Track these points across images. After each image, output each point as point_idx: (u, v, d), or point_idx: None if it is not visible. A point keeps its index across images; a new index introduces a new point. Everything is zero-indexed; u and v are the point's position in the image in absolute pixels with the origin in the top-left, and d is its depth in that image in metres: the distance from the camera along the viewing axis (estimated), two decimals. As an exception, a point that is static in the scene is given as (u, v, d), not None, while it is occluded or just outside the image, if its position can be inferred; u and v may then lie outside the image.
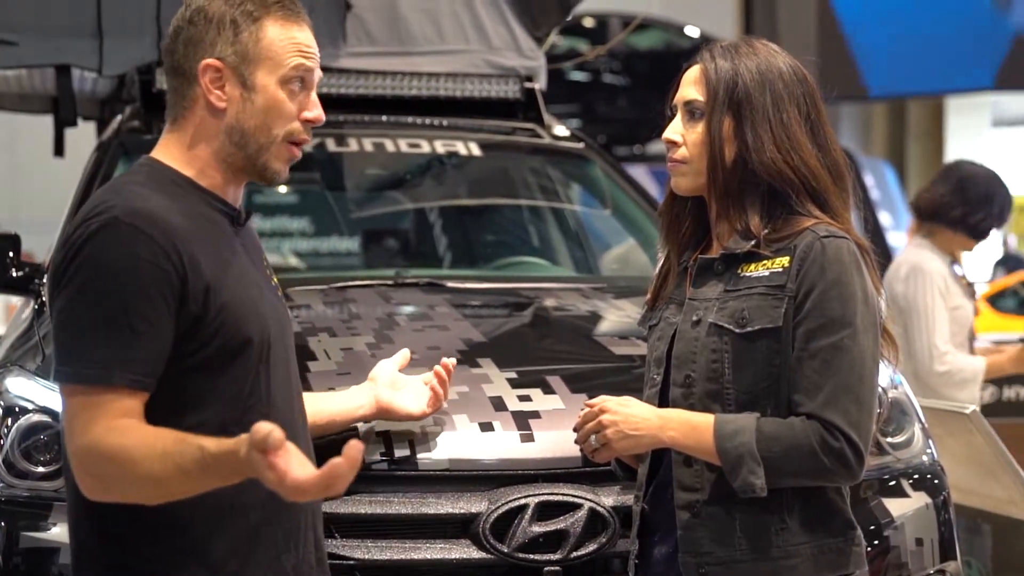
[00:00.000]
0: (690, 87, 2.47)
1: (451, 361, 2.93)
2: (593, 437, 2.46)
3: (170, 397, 2.14)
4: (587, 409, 2.50)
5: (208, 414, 2.15)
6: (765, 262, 2.39)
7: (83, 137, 6.11)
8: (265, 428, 1.88)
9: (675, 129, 2.47)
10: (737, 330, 2.37)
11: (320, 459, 2.45)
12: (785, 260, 2.37)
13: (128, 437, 2.06)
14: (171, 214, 2.16)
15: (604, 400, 2.47)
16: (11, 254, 4.00)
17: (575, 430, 2.53)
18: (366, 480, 2.94)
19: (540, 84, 5.25)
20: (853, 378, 2.32)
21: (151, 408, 2.13)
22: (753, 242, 2.40)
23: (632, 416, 2.42)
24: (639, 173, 11.53)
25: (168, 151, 2.29)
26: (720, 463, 2.35)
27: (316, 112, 2.29)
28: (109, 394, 2.09)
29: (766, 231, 2.40)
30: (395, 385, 2.89)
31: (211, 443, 2.00)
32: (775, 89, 2.42)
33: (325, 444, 2.65)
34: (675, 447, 2.41)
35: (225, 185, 2.30)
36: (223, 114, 2.24)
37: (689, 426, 2.37)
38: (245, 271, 2.26)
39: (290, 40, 2.26)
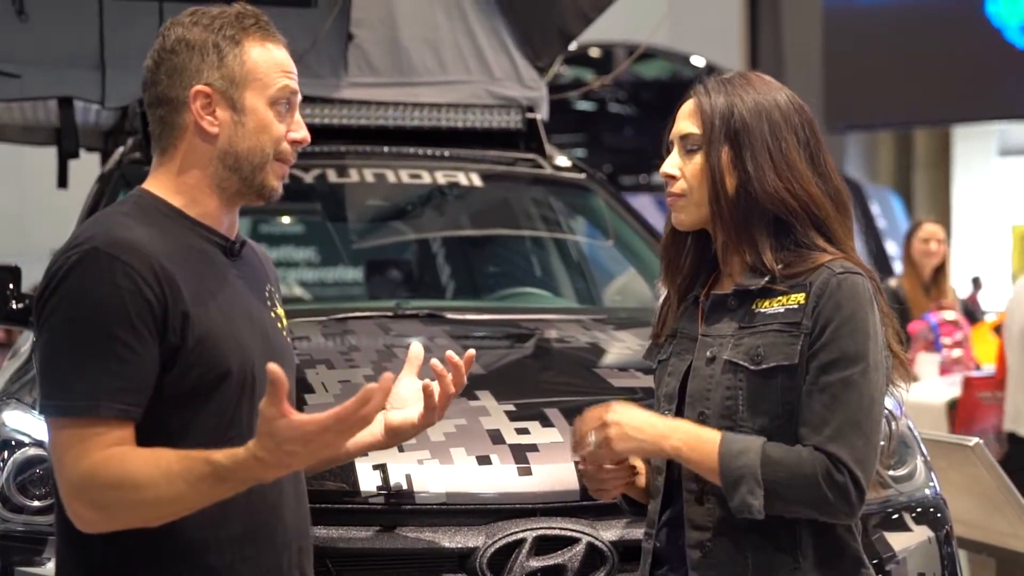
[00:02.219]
0: (685, 121, 2.46)
1: (452, 355, 2.57)
2: (593, 434, 2.37)
3: (150, 429, 2.13)
4: (589, 409, 2.40)
5: (187, 446, 2.12)
6: (780, 298, 2.37)
7: (89, 168, 6.12)
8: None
9: (672, 163, 2.46)
10: (752, 367, 2.35)
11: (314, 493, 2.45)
12: (801, 296, 2.35)
13: (129, 463, 2.06)
14: (153, 243, 2.16)
15: (611, 402, 2.40)
16: (11, 286, 4.00)
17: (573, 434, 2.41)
18: (362, 513, 2.93)
19: (542, 114, 5.26)
20: (861, 414, 2.29)
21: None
22: (767, 278, 2.38)
23: (637, 418, 2.36)
24: (645, 202, 11.53)
25: (158, 181, 2.29)
26: (720, 481, 2.31)
27: (303, 132, 2.31)
28: (99, 426, 2.08)
29: (780, 266, 2.38)
30: (407, 403, 2.65)
31: (219, 455, 2.01)
32: (772, 118, 2.41)
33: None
34: (678, 458, 2.35)
35: (218, 212, 2.29)
36: (215, 139, 2.25)
37: (695, 439, 2.32)
38: (233, 302, 2.24)
39: (274, 61, 2.28)
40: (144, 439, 2.11)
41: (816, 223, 2.39)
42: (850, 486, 2.28)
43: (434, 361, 2.57)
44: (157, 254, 2.14)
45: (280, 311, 2.42)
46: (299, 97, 2.32)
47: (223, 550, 2.18)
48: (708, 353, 2.41)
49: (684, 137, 2.45)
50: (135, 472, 2.04)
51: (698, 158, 2.42)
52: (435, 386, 2.56)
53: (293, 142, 2.29)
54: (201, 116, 2.24)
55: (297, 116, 2.31)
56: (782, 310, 2.36)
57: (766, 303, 2.38)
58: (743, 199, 2.38)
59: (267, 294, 2.39)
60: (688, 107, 2.47)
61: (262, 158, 2.26)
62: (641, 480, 2.55)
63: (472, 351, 2.60)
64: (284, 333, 2.40)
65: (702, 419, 2.38)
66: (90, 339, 2.09)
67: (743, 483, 2.28)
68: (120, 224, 2.17)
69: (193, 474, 2.02)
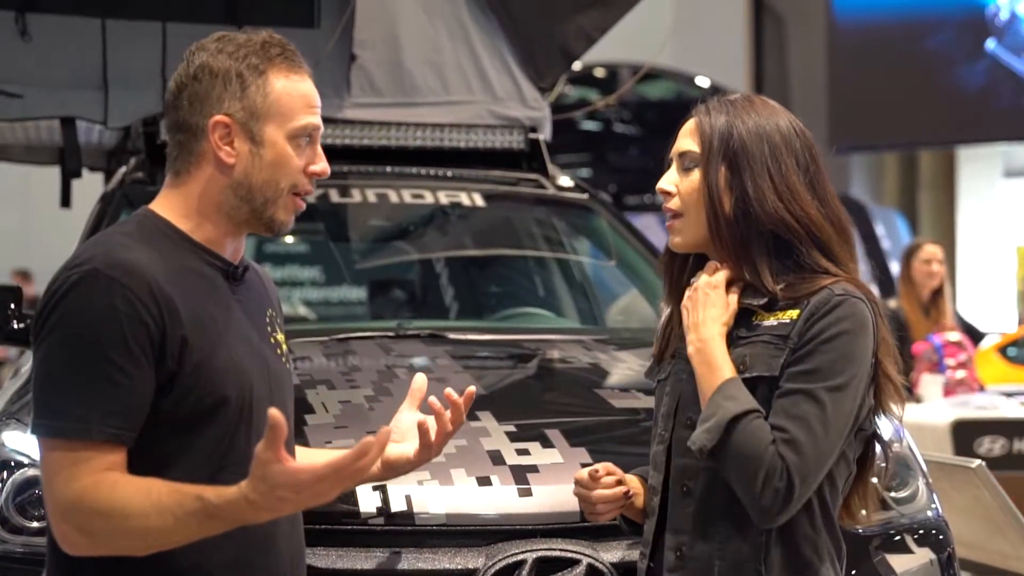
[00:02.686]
0: (685, 138, 2.47)
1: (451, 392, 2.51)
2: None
3: (145, 454, 2.12)
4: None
5: (182, 473, 2.11)
6: (778, 313, 2.38)
7: (95, 188, 6.13)
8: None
9: (669, 179, 2.47)
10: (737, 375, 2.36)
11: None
12: (795, 313, 2.36)
13: (119, 490, 2.04)
14: (154, 265, 2.14)
15: (711, 282, 2.41)
16: (12, 306, 4.00)
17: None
18: (362, 535, 2.92)
19: (544, 135, 5.25)
20: (818, 426, 2.29)
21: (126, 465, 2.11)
22: (767, 300, 2.39)
23: (707, 300, 2.39)
24: (650, 222, 11.52)
25: (167, 204, 2.27)
26: (702, 405, 2.34)
27: (322, 165, 2.28)
28: (90, 449, 2.06)
29: (781, 287, 2.38)
30: (406, 436, 2.55)
31: (210, 492, 1.99)
32: (772, 141, 2.41)
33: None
34: (691, 357, 2.39)
35: (223, 238, 2.27)
36: (231, 169, 2.22)
37: (713, 360, 2.35)
38: (233, 328, 2.22)
39: (298, 94, 2.25)
40: (140, 464, 2.10)
41: (819, 245, 2.40)
42: (782, 495, 2.27)
43: (432, 399, 2.53)
44: (157, 277, 2.13)
45: (280, 336, 2.39)
46: (321, 131, 2.29)
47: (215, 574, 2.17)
48: None
49: (682, 154, 2.46)
50: (125, 501, 2.03)
51: (695, 176, 2.43)
52: (432, 422, 2.50)
53: (312, 174, 2.27)
54: (219, 146, 2.22)
55: (318, 148, 2.28)
56: (775, 323, 2.37)
57: (763, 316, 2.40)
58: (741, 219, 2.38)
59: (268, 319, 2.36)
60: (689, 125, 2.48)
61: (275, 192, 2.24)
62: (639, 500, 2.55)
63: (472, 388, 2.55)
64: (284, 359, 2.38)
65: (689, 423, 2.40)
66: (85, 361, 2.07)
67: (711, 420, 2.31)
68: (121, 245, 2.16)
69: (183, 509, 2.00)
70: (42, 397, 2.11)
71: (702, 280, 2.43)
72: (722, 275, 2.42)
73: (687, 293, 2.45)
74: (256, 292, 2.37)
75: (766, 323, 2.38)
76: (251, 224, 2.27)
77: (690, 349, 2.39)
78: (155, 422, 2.12)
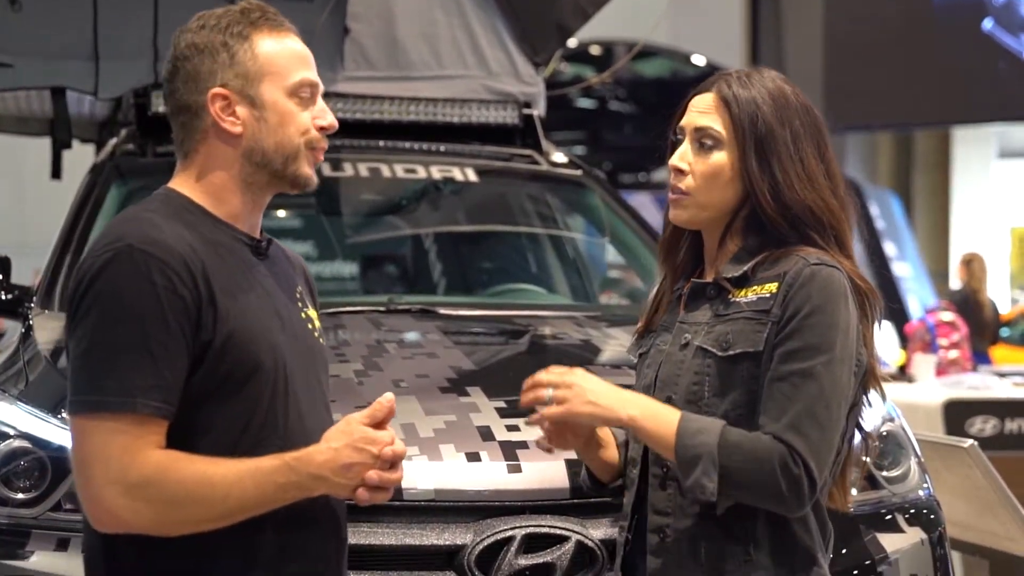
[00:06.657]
0: (705, 115, 2.38)
1: None
2: (550, 391, 2.31)
3: (179, 425, 2.11)
4: (553, 368, 2.35)
5: (217, 444, 2.12)
6: (755, 287, 2.35)
7: (87, 159, 6.11)
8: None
9: (684, 157, 2.39)
10: (720, 353, 2.33)
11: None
12: (773, 286, 2.32)
13: (197, 462, 2.07)
14: (184, 241, 2.14)
15: (576, 369, 2.35)
16: (0, 277, 3.98)
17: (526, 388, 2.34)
18: (350, 510, 2.90)
19: (539, 110, 5.23)
20: (820, 405, 2.26)
21: None
22: (748, 266, 2.35)
23: (598, 385, 2.31)
24: (644, 200, 11.52)
25: (184, 183, 2.27)
26: (674, 457, 2.28)
27: (329, 119, 2.28)
28: (136, 424, 2.06)
29: (761, 257, 2.35)
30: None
31: (287, 454, 2.09)
32: (793, 125, 2.36)
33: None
34: (632, 427, 2.31)
35: (243, 209, 2.26)
36: (239, 139, 2.22)
37: (653, 412, 2.29)
38: (263, 300, 2.22)
39: (288, 51, 2.25)
40: (174, 435, 2.10)
41: (832, 231, 2.37)
42: (804, 478, 2.24)
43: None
44: (189, 252, 2.13)
45: (312, 312, 2.38)
46: (320, 88, 2.29)
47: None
48: (682, 340, 2.39)
49: (700, 130, 2.38)
50: (207, 471, 2.06)
51: (715, 158, 2.36)
52: None
53: (320, 129, 2.26)
54: (222, 118, 2.22)
55: (321, 103, 2.28)
56: (755, 299, 2.34)
57: (742, 292, 2.36)
58: (772, 206, 2.34)
59: (298, 295, 2.35)
60: (708, 101, 2.39)
61: (293, 149, 2.23)
62: (606, 454, 2.50)
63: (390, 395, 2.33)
64: (317, 335, 2.36)
65: (668, 403, 2.35)
66: (125, 336, 2.07)
67: (699, 463, 2.25)
68: (150, 221, 2.16)
69: (261, 471, 2.07)
70: (82, 374, 2.10)
71: (572, 380, 2.30)
72: (564, 370, 2.32)
73: (550, 396, 2.30)
74: (283, 268, 2.36)
75: (745, 299, 2.34)
76: (273, 185, 2.26)
77: (627, 420, 2.28)
78: (188, 394, 2.12)
